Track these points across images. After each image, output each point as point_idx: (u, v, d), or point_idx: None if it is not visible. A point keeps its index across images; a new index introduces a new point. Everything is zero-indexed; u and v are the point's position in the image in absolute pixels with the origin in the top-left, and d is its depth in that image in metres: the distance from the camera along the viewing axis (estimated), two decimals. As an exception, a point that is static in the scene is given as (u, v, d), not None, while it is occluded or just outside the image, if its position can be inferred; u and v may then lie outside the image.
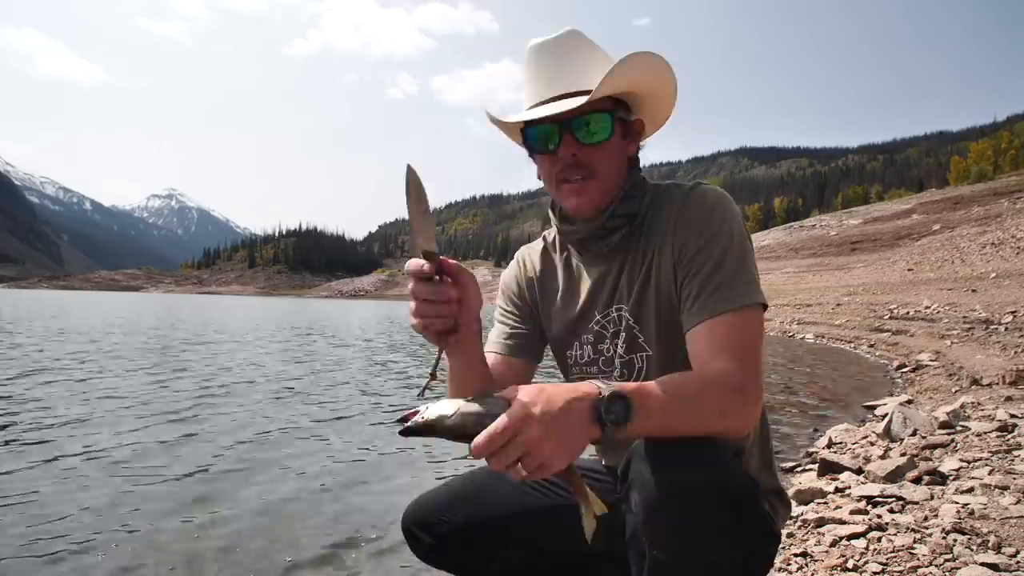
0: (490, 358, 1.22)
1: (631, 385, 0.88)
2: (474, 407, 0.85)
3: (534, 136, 1.13)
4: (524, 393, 0.83)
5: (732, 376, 0.96)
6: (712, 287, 1.03)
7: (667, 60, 1.10)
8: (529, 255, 1.32)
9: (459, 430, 0.84)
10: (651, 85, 1.12)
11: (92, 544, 2.54)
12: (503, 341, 1.27)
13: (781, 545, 2.16)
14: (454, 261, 0.94)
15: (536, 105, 1.12)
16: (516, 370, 1.25)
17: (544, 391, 0.83)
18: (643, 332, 1.14)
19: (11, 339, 11.58)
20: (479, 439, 0.80)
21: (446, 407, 0.85)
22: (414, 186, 0.89)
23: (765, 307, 1.05)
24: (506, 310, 1.31)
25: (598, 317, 1.19)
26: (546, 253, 1.31)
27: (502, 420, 0.80)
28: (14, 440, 4.11)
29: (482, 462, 0.83)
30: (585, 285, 1.22)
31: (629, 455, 1.00)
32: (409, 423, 0.85)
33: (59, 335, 12.98)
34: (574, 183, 1.11)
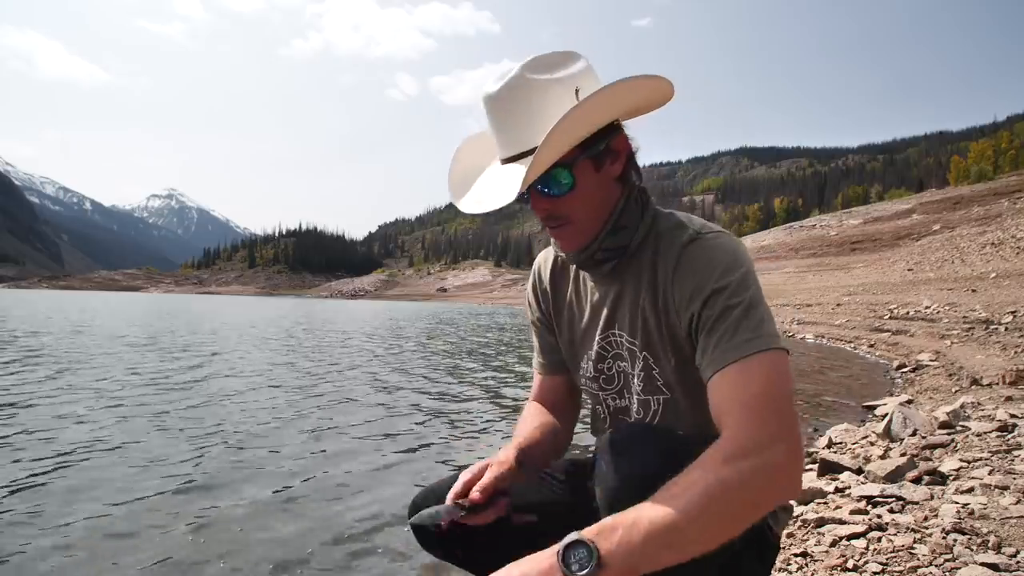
0: (536, 379, 1.34)
1: (594, 529, 0.82)
2: None
3: None
4: None
5: (753, 444, 0.85)
6: (720, 334, 0.96)
7: (618, 79, 0.98)
8: (541, 266, 1.32)
9: None
10: (612, 114, 1.03)
11: (90, 544, 2.54)
12: (539, 361, 1.33)
13: (781, 545, 2.16)
14: (478, 495, 1.06)
15: (505, 160, 1.07)
16: (557, 387, 1.31)
17: None
18: (662, 375, 1.11)
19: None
20: None
21: None
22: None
23: (787, 352, 0.97)
24: (533, 321, 1.34)
25: (598, 338, 1.18)
26: (558, 263, 1.30)
27: None
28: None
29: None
30: (589, 303, 1.21)
31: (594, 452, 1.02)
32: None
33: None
34: (555, 229, 1.09)
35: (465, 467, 1.22)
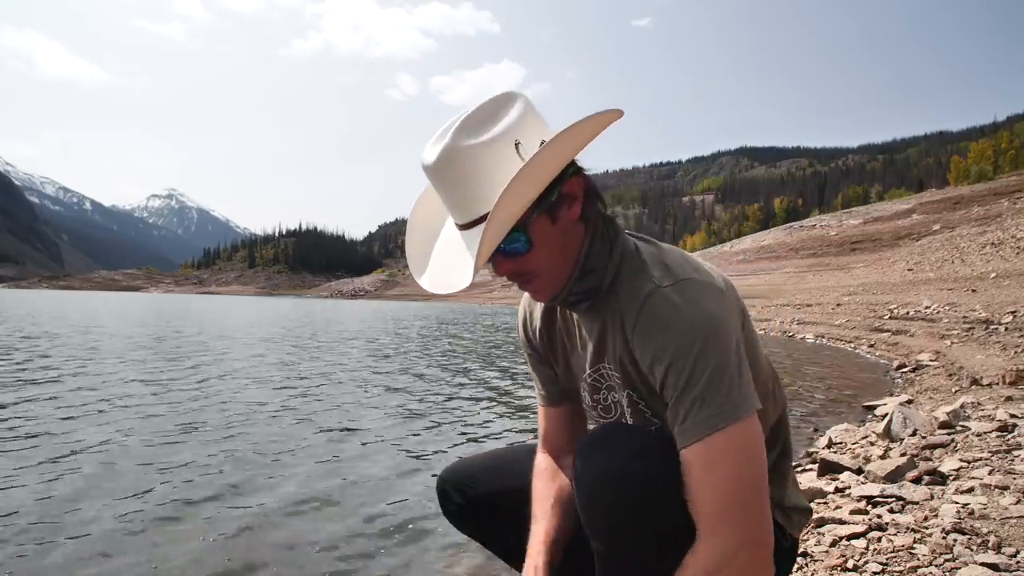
0: (541, 414, 1.33)
1: None
2: None
3: None
4: None
5: (723, 558, 0.91)
6: (687, 407, 0.94)
7: (564, 126, 0.93)
8: (529, 304, 1.29)
9: None
10: (557, 168, 0.95)
11: (105, 545, 2.54)
12: (541, 393, 1.32)
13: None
14: None
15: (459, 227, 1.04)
16: (563, 415, 1.29)
17: None
18: (648, 407, 1.10)
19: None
20: None
21: None
22: None
23: (756, 413, 0.95)
24: (528, 356, 1.32)
25: (589, 371, 1.16)
26: None
27: None
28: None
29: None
30: (578, 336, 1.20)
31: (576, 450, 1.07)
32: None
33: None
34: (524, 285, 1.07)
35: (494, 448, 1.25)
